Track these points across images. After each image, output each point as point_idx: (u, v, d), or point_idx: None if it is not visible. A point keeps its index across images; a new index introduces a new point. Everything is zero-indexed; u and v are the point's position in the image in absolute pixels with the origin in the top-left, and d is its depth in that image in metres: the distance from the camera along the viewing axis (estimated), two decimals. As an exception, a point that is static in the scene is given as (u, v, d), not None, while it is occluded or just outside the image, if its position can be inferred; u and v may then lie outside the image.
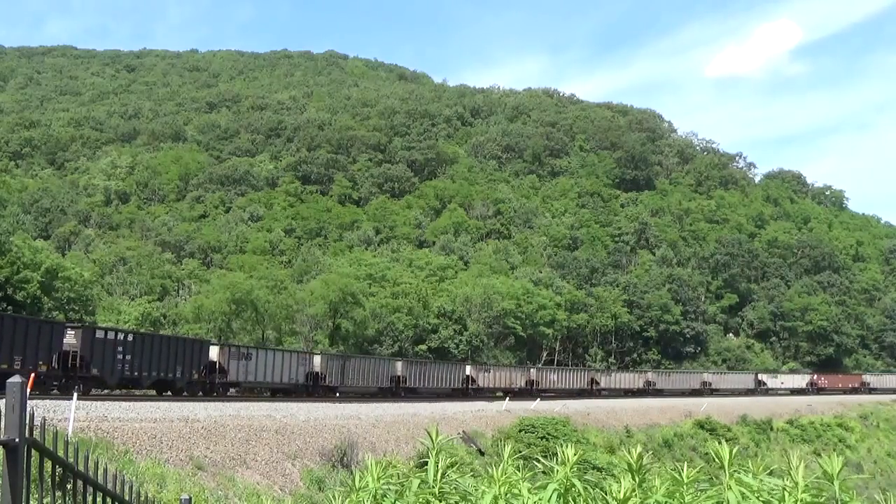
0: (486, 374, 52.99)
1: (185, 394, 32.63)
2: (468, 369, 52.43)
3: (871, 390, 79.81)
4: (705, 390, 68.96)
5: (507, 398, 45.95)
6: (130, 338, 32.17)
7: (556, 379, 58.48)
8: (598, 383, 60.42)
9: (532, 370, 57.90)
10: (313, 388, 40.80)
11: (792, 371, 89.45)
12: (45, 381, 27.56)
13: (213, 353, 36.05)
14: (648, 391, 63.05)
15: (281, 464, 21.12)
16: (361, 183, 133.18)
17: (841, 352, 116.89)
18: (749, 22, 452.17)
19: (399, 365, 47.58)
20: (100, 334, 30.64)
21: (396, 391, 45.14)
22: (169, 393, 32.91)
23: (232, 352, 37.23)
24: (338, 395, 41.48)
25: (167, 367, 32.92)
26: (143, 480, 14.56)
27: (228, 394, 35.99)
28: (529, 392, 52.73)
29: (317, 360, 42.61)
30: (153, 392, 33.54)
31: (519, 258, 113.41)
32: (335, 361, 43.61)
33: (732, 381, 75.00)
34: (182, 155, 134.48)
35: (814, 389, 77.09)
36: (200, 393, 34.01)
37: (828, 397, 71.91)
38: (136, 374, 31.58)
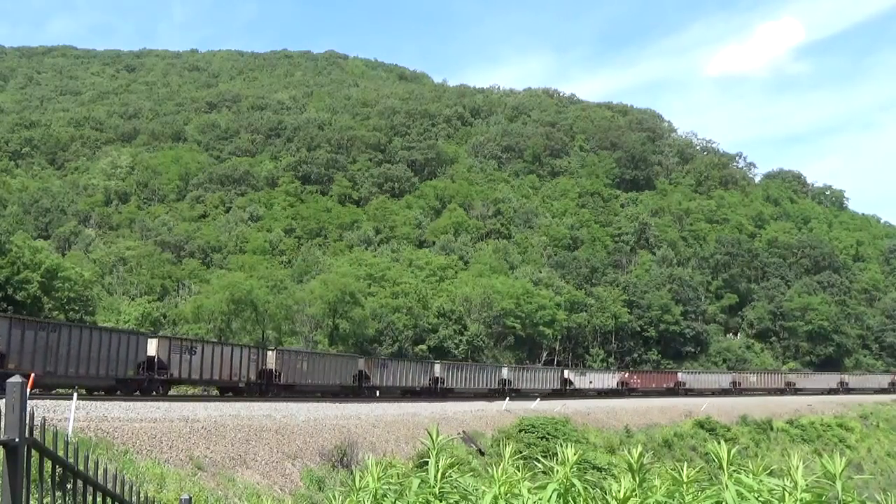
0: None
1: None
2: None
3: (687, 391, 72.11)
4: (507, 391, 54.88)
5: (507, 398, 45.53)
6: None
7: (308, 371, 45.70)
8: (368, 378, 47.77)
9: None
10: None
11: (604, 370, 79.33)
12: None
13: None
14: (438, 391, 51.41)
15: (281, 464, 21.12)
16: (361, 183, 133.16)
17: (841, 352, 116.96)
18: (752, 20, 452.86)
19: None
20: None
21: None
22: None
23: None
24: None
25: None
26: (143, 480, 14.56)
27: None
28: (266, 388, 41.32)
29: None
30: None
31: (519, 258, 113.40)
32: None
33: (534, 380, 61.53)
34: (182, 155, 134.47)
35: (625, 389, 68.11)
36: None
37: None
38: None
